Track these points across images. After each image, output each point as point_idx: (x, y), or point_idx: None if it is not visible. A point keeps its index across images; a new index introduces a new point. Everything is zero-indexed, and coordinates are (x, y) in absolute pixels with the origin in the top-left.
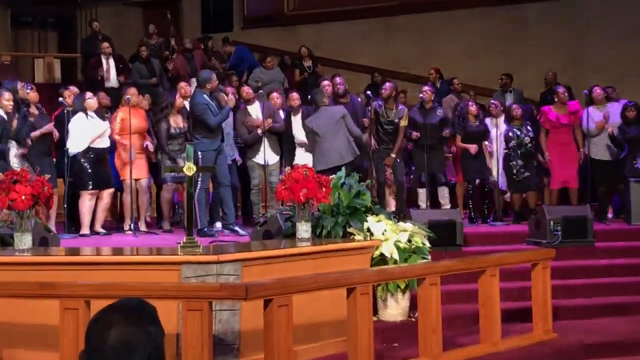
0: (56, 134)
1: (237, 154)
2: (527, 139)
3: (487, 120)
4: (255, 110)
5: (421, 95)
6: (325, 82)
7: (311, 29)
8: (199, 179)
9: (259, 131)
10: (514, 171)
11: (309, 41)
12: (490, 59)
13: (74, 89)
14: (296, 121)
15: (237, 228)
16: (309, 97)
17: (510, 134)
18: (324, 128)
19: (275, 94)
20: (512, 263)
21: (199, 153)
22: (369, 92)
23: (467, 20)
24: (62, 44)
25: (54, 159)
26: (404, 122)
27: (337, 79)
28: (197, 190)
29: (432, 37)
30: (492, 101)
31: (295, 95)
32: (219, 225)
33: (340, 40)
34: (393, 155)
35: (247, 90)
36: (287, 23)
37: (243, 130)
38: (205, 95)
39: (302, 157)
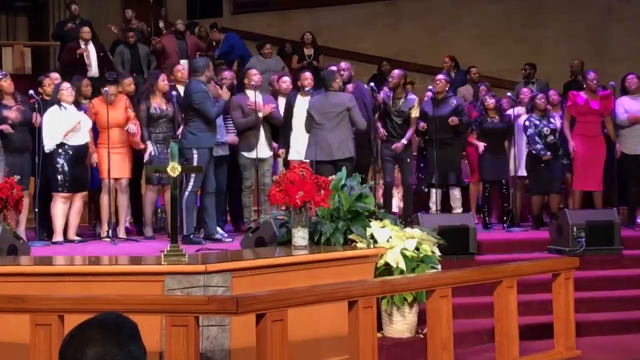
0: (38, 119)
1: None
2: (546, 130)
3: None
4: (258, 97)
5: (430, 87)
6: (339, 66)
7: (308, 14)
8: (191, 180)
9: (260, 114)
10: (536, 153)
11: (305, 28)
12: (503, 47)
13: (55, 75)
14: (300, 102)
15: (219, 236)
16: (320, 77)
17: (527, 122)
18: (324, 116)
19: (286, 78)
20: (531, 273)
21: (194, 150)
22: (372, 84)
23: (478, 5)
24: (33, 31)
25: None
26: (415, 113)
27: (342, 64)
28: (187, 193)
29: (440, 23)
30: (509, 95)
31: (307, 74)
32: (219, 230)
33: (341, 27)
34: (404, 141)
35: (255, 75)
36: (281, 7)
37: (237, 114)
38: (202, 84)
39: (298, 144)
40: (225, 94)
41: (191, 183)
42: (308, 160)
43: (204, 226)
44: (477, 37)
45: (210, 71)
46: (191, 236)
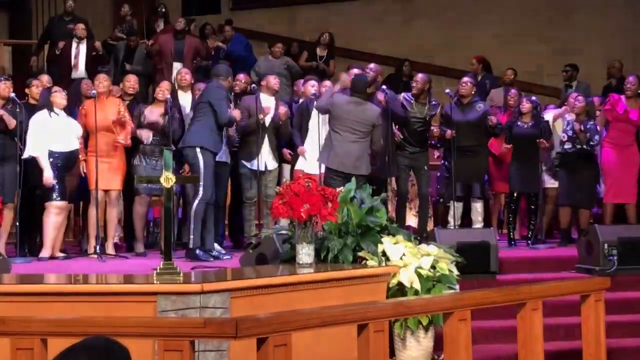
0: (11, 122)
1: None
2: (582, 136)
3: (548, 113)
4: (272, 104)
5: (447, 90)
6: (367, 67)
7: (314, 10)
8: (201, 187)
9: (261, 116)
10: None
11: (311, 25)
12: (527, 47)
13: (45, 78)
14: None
15: (216, 253)
16: (351, 84)
17: (567, 127)
18: (349, 125)
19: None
20: (558, 295)
21: (198, 150)
22: (384, 88)
23: (500, 1)
24: (14, 29)
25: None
26: (435, 120)
27: (371, 66)
28: (197, 201)
29: (458, 21)
30: (572, 94)
31: (312, 82)
32: (216, 246)
33: (350, 25)
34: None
35: (275, 80)
36: (284, 3)
37: (242, 116)
38: (224, 88)
39: (304, 162)
40: (236, 113)
41: (201, 191)
42: (316, 173)
43: (202, 241)
44: (498, 36)
45: (231, 81)
46: (197, 251)
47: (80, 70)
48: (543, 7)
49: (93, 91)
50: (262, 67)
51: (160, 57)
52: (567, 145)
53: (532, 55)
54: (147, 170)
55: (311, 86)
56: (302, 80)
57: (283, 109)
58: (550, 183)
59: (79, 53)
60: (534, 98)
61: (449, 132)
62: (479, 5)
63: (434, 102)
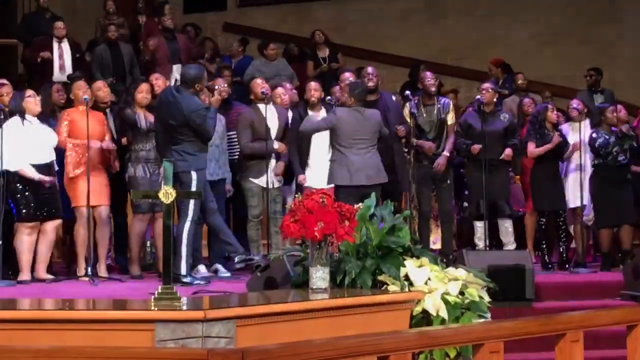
0: None
1: (226, 173)
2: (616, 150)
3: (565, 127)
4: (270, 112)
5: (478, 97)
6: (365, 71)
7: (330, 8)
8: (191, 206)
9: (275, 145)
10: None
11: (327, 24)
12: (567, 49)
13: (4, 82)
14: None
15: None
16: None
17: (594, 134)
18: (355, 136)
19: (280, 90)
20: (601, 325)
21: (193, 174)
22: (407, 93)
23: None
24: None
25: None
26: (451, 119)
27: (369, 69)
28: (188, 222)
29: (491, 19)
30: (573, 101)
31: (313, 85)
32: (202, 269)
33: (370, 24)
34: (446, 154)
35: (262, 84)
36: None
37: (246, 134)
38: (196, 99)
39: (312, 175)
40: (215, 101)
41: (191, 210)
42: (328, 187)
43: (228, 247)
44: (535, 37)
45: (204, 82)
46: (186, 277)
47: (67, 71)
48: (585, 3)
49: (85, 97)
50: (266, 70)
51: (154, 62)
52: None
53: (572, 57)
54: (145, 183)
55: (314, 90)
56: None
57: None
58: (584, 201)
59: (63, 53)
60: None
61: (475, 147)
62: (515, 1)
63: (442, 100)
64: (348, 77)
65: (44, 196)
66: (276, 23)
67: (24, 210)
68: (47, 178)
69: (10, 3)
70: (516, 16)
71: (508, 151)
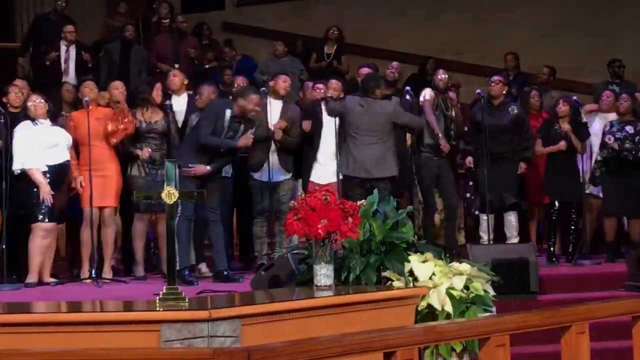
0: None
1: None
2: (628, 144)
3: (595, 122)
4: (273, 106)
5: (478, 90)
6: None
7: (329, 4)
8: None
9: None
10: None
11: (325, 21)
12: (568, 40)
13: (21, 83)
14: (327, 118)
15: (228, 274)
16: (362, 81)
17: (606, 127)
18: (364, 128)
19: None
20: (606, 317)
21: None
22: (408, 88)
23: None
24: None
25: None
26: (455, 110)
27: (394, 64)
28: (177, 219)
29: (490, 13)
30: (605, 92)
31: (334, 84)
32: (203, 268)
33: (368, 20)
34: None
35: (285, 81)
36: None
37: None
38: (228, 111)
39: (322, 172)
40: (246, 140)
41: (179, 206)
42: (333, 181)
43: (212, 263)
44: (535, 28)
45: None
46: (185, 273)
47: (70, 75)
48: None
49: (85, 99)
50: (275, 69)
51: (159, 60)
52: (610, 150)
53: (573, 49)
54: (147, 183)
55: (319, 90)
56: (310, 84)
57: (307, 123)
58: (593, 191)
59: (69, 57)
60: (574, 98)
61: (468, 159)
62: None
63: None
64: (366, 71)
65: (61, 198)
66: (275, 21)
67: (40, 212)
68: (47, 189)
69: (10, 7)
70: (515, 9)
71: (523, 166)
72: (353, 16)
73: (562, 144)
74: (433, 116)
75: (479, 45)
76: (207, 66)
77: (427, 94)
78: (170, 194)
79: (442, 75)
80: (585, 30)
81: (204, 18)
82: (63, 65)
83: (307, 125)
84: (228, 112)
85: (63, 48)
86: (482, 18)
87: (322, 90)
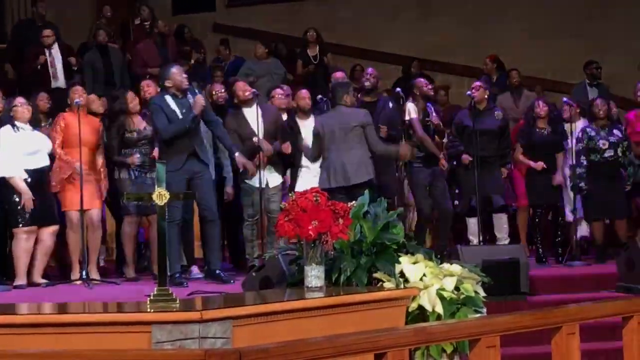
0: None
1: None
2: (602, 144)
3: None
4: (252, 114)
5: (468, 92)
6: (366, 71)
7: (321, 6)
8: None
9: (255, 140)
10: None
11: (317, 22)
12: (559, 42)
13: None
14: (305, 127)
15: (221, 274)
16: (330, 92)
17: (580, 134)
18: (337, 135)
19: (278, 91)
20: (597, 317)
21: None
22: (398, 90)
23: None
24: None
25: None
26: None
27: (369, 69)
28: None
29: (482, 14)
30: (565, 100)
31: (304, 93)
32: (195, 270)
33: (360, 21)
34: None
35: (243, 87)
36: None
37: (233, 138)
38: (167, 97)
39: (308, 177)
40: (198, 104)
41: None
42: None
43: (206, 262)
44: (527, 30)
45: (176, 78)
46: (176, 276)
47: (60, 80)
48: None
49: (77, 100)
50: (257, 69)
51: (144, 65)
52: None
53: (564, 52)
54: (137, 187)
55: (304, 98)
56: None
57: (286, 146)
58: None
59: (55, 61)
60: (565, 99)
61: (465, 157)
62: None
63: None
64: (339, 77)
65: (42, 202)
66: (266, 23)
67: (20, 217)
68: (29, 195)
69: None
70: (506, 11)
71: (505, 171)
72: (345, 18)
73: (539, 164)
74: (425, 135)
75: (471, 47)
76: (192, 61)
77: (411, 111)
78: (161, 195)
79: (427, 86)
80: (577, 32)
81: (194, 19)
82: (50, 70)
83: (287, 147)
84: (167, 97)
85: (46, 53)
86: (474, 20)
87: (281, 96)
